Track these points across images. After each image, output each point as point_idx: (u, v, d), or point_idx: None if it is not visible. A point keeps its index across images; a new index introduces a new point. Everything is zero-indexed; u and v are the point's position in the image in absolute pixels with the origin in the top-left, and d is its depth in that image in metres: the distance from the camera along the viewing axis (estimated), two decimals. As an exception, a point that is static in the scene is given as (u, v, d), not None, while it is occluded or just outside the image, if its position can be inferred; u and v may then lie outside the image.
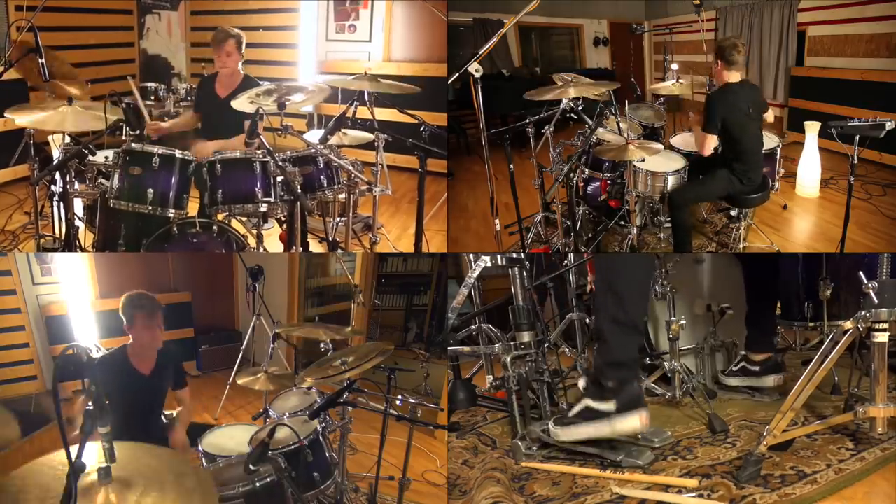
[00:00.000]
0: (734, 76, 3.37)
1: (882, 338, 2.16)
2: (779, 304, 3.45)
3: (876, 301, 2.13)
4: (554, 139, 3.85)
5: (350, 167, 3.40)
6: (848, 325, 2.19)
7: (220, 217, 3.23)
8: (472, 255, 3.29)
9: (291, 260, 5.40)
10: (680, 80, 4.34)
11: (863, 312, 2.16)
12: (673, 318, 2.99)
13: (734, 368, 3.22)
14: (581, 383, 2.72)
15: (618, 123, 3.52)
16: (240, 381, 3.41)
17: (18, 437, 2.12)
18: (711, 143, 3.46)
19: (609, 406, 2.45)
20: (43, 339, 4.77)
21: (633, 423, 2.41)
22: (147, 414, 3.00)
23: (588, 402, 2.52)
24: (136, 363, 2.96)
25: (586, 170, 4.01)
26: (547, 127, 3.75)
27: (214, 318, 5.91)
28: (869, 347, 2.21)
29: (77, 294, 4.88)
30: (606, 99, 3.63)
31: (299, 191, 2.98)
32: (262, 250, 3.28)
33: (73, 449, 1.42)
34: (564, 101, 3.56)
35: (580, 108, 3.58)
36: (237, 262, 5.58)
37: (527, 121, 3.70)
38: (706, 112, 3.43)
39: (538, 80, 7.61)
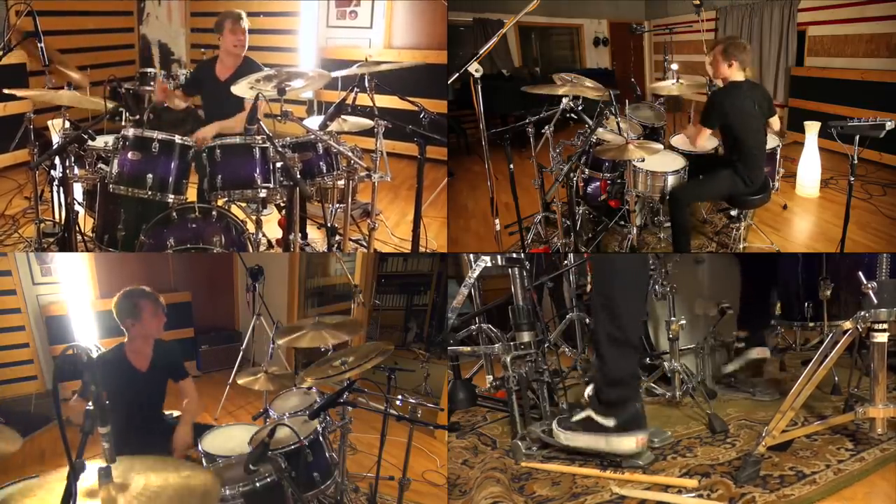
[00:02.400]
0: (737, 75, 3.37)
1: (881, 338, 2.17)
2: (779, 304, 3.45)
3: (875, 301, 2.14)
4: (554, 139, 3.85)
5: (349, 153, 3.40)
6: (847, 325, 2.19)
7: (219, 202, 3.24)
8: (472, 255, 3.29)
9: (291, 260, 5.39)
10: (680, 80, 4.34)
11: (862, 312, 2.16)
12: (673, 318, 3.00)
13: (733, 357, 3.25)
14: (587, 391, 2.74)
15: (618, 123, 3.51)
16: (240, 381, 3.41)
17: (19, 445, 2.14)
18: (704, 137, 3.51)
19: (609, 422, 2.48)
20: (43, 339, 4.76)
21: (629, 443, 2.43)
22: (147, 411, 3.00)
23: (591, 412, 2.54)
24: (132, 360, 2.97)
25: (586, 170, 4.01)
26: (547, 127, 3.74)
27: (214, 318, 5.91)
28: (869, 347, 2.21)
29: (77, 294, 4.88)
30: (606, 99, 3.63)
31: (298, 177, 2.98)
32: (260, 236, 3.29)
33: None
34: (564, 100, 3.56)
35: (580, 108, 3.58)
36: (237, 262, 5.58)
37: (527, 121, 3.70)
38: (707, 106, 3.46)
39: (538, 80, 7.61)
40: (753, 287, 3.25)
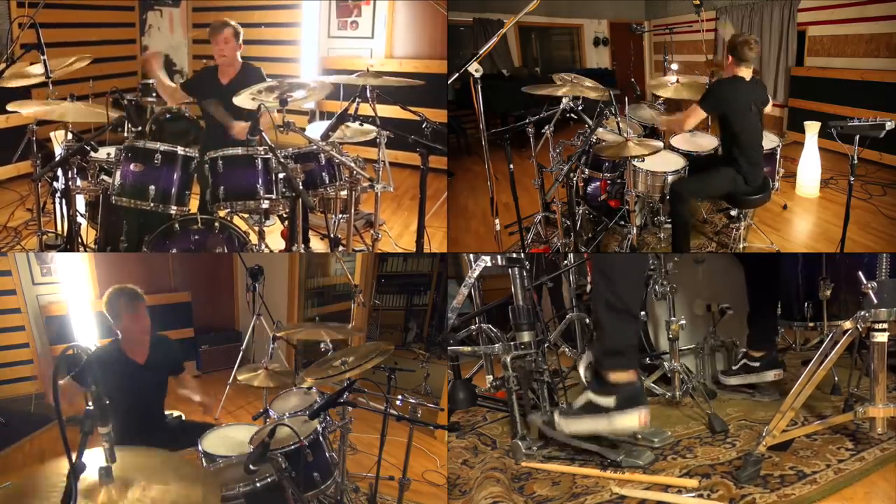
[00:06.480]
0: (745, 72, 3.38)
1: (881, 338, 2.17)
2: (779, 304, 3.45)
3: (875, 301, 2.14)
4: (554, 139, 3.85)
5: (352, 164, 3.40)
6: (847, 325, 2.19)
7: (221, 214, 3.24)
8: (472, 255, 3.29)
9: (291, 260, 5.40)
10: (679, 80, 4.34)
11: (862, 312, 2.16)
12: (673, 318, 2.99)
13: (734, 367, 3.22)
14: (583, 375, 2.72)
15: (617, 123, 3.51)
16: (240, 378, 3.40)
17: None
18: (697, 119, 3.51)
19: (609, 401, 2.45)
20: (43, 339, 4.77)
21: (631, 420, 2.41)
22: (148, 406, 3.01)
23: (590, 395, 2.52)
24: (129, 353, 2.97)
25: (586, 170, 4.01)
26: (547, 127, 3.75)
27: (214, 318, 5.91)
28: (868, 347, 2.21)
29: (77, 294, 4.88)
30: (606, 99, 3.63)
31: (301, 187, 2.98)
32: (263, 247, 3.29)
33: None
34: (564, 100, 3.56)
35: (580, 108, 3.58)
36: (237, 262, 5.59)
37: (527, 121, 3.70)
38: (707, 91, 3.47)
39: (538, 80, 7.61)
40: (761, 296, 3.19)
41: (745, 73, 3.37)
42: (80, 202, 3.49)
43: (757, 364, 3.11)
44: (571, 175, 3.26)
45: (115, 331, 2.96)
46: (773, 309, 3.31)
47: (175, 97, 4.13)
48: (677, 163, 3.68)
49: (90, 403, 1.49)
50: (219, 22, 3.84)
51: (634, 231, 3.72)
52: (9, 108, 3.24)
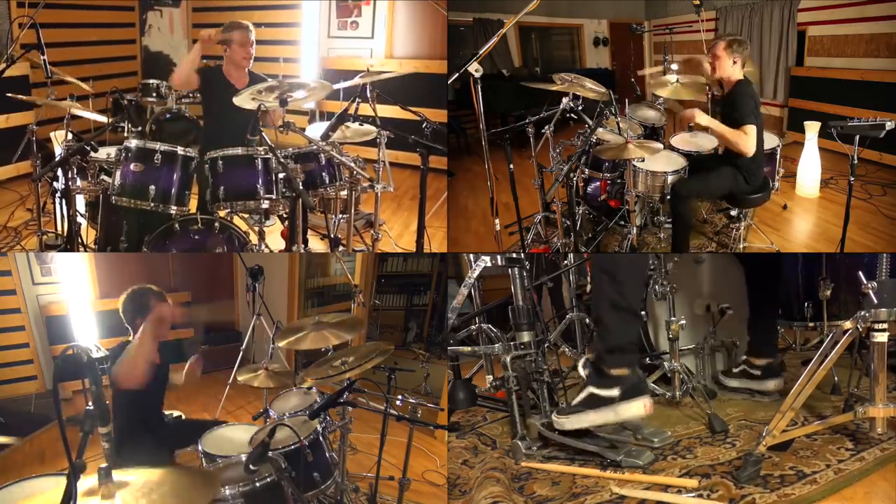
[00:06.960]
0: (740, 73, 3.37)
1: (881, 338, 2.17)
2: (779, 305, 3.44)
3: (875, 301, 2.14)
4: (554, 139, 3.85)
5: (352, 164, 3.41)
6: (848, 325, 2.19)
7: (221, 214, 3.24)
8: (472, 255, 3.29)
9: (291, 260, 5.40)
10: (679, 80, 4.33)
11: (862, 312, 2.16)
12: (673, 318, 3.00)
13: (735, 371, 3.22)
14: (582, 371, 2.73)
15: (617, 123, 3.51)
16: (240, 378, 3.40)
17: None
18: (754, 136, 3.26)
19: (613, 392, 2.46)
20: (43, 339, 4.77)
21: (637, 408, 2.42)
22: (152, 404, 3.01)
23: (592, 389, 2.53)
24: None
25: (586, 170, 4.01)
26: (547, 127, 3.74)
27: (214, 318, 5.91)
28: (869, 347, 2.22)
29: (77, 294, 4.88)
30: (606, 99, 3.63)
31: (301, 187, 2.98)
32: (263, 247, 3.29)
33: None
34: (564, 100, 3.56)
35: (580, 108, 3.58)
36: (237, 262, 5.59)
37: (527, 121, 3.70)
38: (747, 103, 3.27)
39: (538, 80, 7.60)
40: (762, 299, 3.15)
41: (741, 73, 3.37)
42: (80, 202, 3.50)
43: (758, 373, 3.11)
44: (571, 175, 3.26)
45: (131, 329, 2.94)
46: (775, 316, 3.29)
47: (190, 82, 3.99)
48: (677, 163, 3.68)
49: (90, 403, 1.49)
50: (242, 24, 3.79)
51: (634, 231, 3.72)
52: (10, 95, 3.23)
